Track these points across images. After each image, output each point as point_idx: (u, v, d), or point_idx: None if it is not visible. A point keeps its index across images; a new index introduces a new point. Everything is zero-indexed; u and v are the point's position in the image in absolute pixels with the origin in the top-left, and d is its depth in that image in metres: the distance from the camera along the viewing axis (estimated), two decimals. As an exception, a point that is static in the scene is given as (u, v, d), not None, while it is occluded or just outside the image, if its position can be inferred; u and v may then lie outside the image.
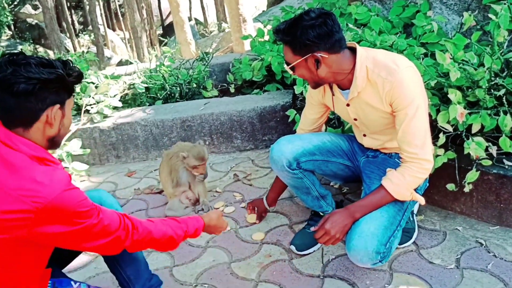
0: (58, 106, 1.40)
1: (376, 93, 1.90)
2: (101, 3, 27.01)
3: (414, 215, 2.38)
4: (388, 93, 1.85)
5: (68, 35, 22.70)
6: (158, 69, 4.12)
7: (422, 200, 1.97)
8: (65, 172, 1.35)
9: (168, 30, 23.98)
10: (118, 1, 28.78)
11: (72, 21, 26.85)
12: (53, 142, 1.44)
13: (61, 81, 1.39)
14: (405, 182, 1.86)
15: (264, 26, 4.22)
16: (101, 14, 25.61)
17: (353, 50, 1.94)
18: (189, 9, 27.89)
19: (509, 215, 2.23)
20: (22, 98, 1.32)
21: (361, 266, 1.96)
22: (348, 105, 2.06)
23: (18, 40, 23.11)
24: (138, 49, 16.99)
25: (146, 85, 4.01)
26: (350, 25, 2.86)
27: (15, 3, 24.90)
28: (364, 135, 2.21)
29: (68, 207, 1.29)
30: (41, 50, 23.10)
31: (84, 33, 27.83)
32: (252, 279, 2.18)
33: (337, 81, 1.99)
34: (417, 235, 2.31)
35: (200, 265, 2.34)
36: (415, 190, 1.95)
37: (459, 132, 2.24)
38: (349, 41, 2.03)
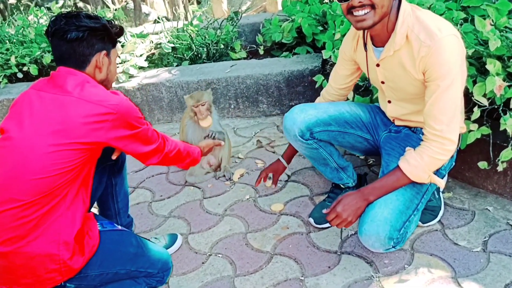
0: (104, 52, 1.68)
1: (411, 56, 1.73)
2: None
3: (441, 192, 2.24)
4: (423, 60, 1.68)
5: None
6: (185, 28, 4.00)
7: (442, 184, 1.84)
8: None
9: (207, -14, 23.58)
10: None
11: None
12: (103, 86, 1.68)
13: (106, 30, 1.67)
14: (423, 164, 1.73)
15: (297, -15, 4.01)
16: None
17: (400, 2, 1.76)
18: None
19: (545, 197, 2.08)
20: (74, 43, 1.60)
21: (373, 250, 1.87)
22: (378, 65, 1.91)
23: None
24: (174, 6, 16.81)
25: (173, 45, 3.91)
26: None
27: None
28: (389, 102, 2.05)
29: (132, 112, 1.62)
30: (80, 4, 23.26)
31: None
32: (267, 251, 2.13)
33: (378, 31, 1.80)
34: (443, 213, 2.19)
35: (216, 234, 2.30)
36: (438, 169, 1.82)
37: (496, 106, 2.06)
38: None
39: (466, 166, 2.33)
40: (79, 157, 1.54)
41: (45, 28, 4.20)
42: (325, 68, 3.30)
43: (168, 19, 6.69)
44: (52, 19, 1.64)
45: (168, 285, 2.02)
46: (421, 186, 1.85)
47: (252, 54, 4.07)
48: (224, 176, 2.78)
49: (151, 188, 2.81)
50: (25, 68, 3.95)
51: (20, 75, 3.99)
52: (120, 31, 1.78)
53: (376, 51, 1.89)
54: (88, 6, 20.09)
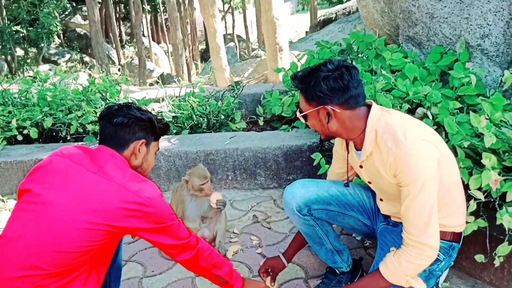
0: (144, 141, 1.82)
1: (382, 161, 1.77)
2: (148, 17, 27.67)
3: (440, 285, 2.21)
4: (392, 165, 1.71)
5: (114, 45, 23.32)
6: (187, 98, 4.09)
7: (420, 287, 1.81)
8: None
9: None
10: (165, 15, 29.43)
11: (120, 32, 27.62)
12: (137, 172, 1.77)
13: (150, 123, 1.83)
14: (400, 269, 1.73)
15: (298, 60, 4.14)
16: (147, 27, 26.19)
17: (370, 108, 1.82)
18: (232, 27, 28.22)
19: (543, 293, 2.05)
20: (118, 127, 1.77)
21: None
22: (361, 166, 1.94)
23: (66, 49, 23.92)
24: (178, 66, 17.26)
25: (173, 114, 3.98)
26: (384, 72, 2.73)
27: (66, 13, 25.84)
28: (381, 200, 2.07)
29: (164, 208, 1.70)
30: (87, 59, 23.82)
31: (129, 44, 28.57)
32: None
33: (350, 138, 1.88)
34: (441, 305, 2.14)
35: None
36: (432, 271, 1.83)
37: (491, 200, 2.07)
38: (380, 89, 1.92)
39: (463, 256, 2.31)
40: (105, 238, 1.61)
41: (48, 92, 4.32)
42: (324, 144, 3.35)
43: (171, 77, 6.87)
44: (108, 105, 1.93)
45: None
46: None
47: (252, 124, 4.13)
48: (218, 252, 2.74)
49: (143, 262, 2.76)
50: (25, 131, 3.99)
51: (20, 138, 4.02)
52: (165, 128, 1.93)
53: (358, 154, 1.93)
54: (94, 61, 20.60)
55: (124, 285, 2.52)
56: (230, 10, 29.80)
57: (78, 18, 26.37)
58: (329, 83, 1.73)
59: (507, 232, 2.01)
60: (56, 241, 1.54)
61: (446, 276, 2.26)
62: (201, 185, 2.60)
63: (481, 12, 2.74)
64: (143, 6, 24.48)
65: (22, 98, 4.36)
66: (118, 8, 30.19)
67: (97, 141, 1.98)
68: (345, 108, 1.77)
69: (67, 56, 23.21)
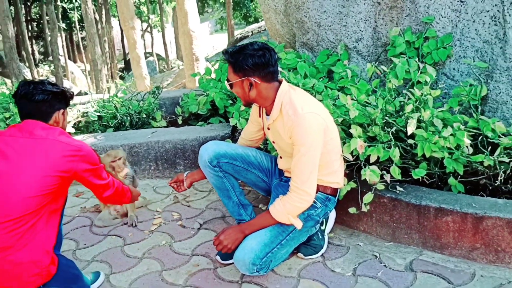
0: (63, 110, 2.22)
1: (283, 125, 2.31)
2: (64, 35, 27.15)
3: (325, 234, 2.75)
4: (289, 129, 2.25)
5: (27, 64, 22.62)
6: (111, 99, 4.45)
7: (298, 225, 2.34)
8: None
9: (130, 64, 24.28)
10: (81, 34, 29.02)
11: (33, 51, 26.80)
12: None
13: (64, 94, 2.22)
14: (284, 209, 2.27)
15: (212, 66, 4.65)
16: (62, 45, 25.70)
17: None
18: (151, 45, 28.44)
19: (400, 233, 2.65)
20: (40, 104, 2.10)
21: (245, 274, 2.36)
22: (268, 128, 2.47)
23: None
24: (97, 81, 17.18)
25: (98, 114, 4.32)
26: (280, 68, 3.30)
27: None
28: (281, 157, 2.60)
29: (91, 152, 2.14)
30: (8, 83, 22.89)
31: (44, 63, 27.77)
32: (180, 284, 2.48)
33: (264, 106, 2.40)
34: (326, 249, 2.69)
35: (135, 273, 2.62)
36: (311, 215, 2.39)
37: (359, 162, 2.67)
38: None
39: (343, 212, 2.88)
40: (57, 183, 2.01)
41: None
42: (234, 135, 3.86)
43: (87, 93, 7.14)
44: (21, 84, 2.16)
45: (91, 316, 2.30)
46: (287, 227, 2.36)
47: (172, 124, 4.56)
48: (130, 224, 3.15)
49: (76, 238, 3.09)
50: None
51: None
52: (72, 96, 2.32)
53: (267, 118, 2.46)
54: (7, 80, 19.92)
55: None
56: (148, 29, 30.02)
57: (-12, 37, 25.29)
58: (254, 59, 2.22)
59: (372, 186, 2.61)
60: (20, 191, 1.91)
61: (331, 228, 2.84)
62: (112, 162, 3.02)
63: (355, 20, 3.40)
64: (58, 24, 24.05)
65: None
66: (30, 26, 29.31)
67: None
68: (264, 81, 2.27)
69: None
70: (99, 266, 2.71)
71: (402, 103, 2.66)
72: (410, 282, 2.33)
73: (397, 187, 2.66)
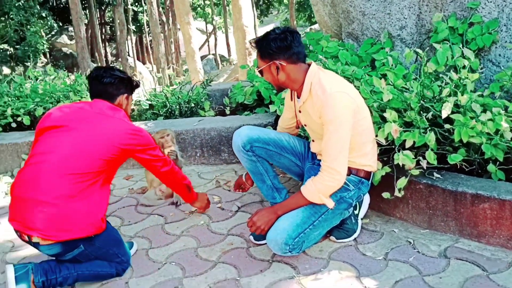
0: (126, 95, 2.52)
1: (313, 106, 2.34)
2: (134, 38, 28.36)
3: (359, 219, 2.75)
4: (319, 109, 2.28)
5: (99, 64, 23.87)
6: (161, 89, 4.64)
7: (330, 204, 2.35)
8: None
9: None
10: (150, 36, 30.17)
11: (105, 52, 28.21)
12: None
13: (129, 80, 2.53)
14: (315, 188, 2.28)
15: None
16: (132, 47, 26.85)
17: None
18: (215, 46, 29.06)
19: (436, 220, 2.60)
20: (107, 86, 2.42)
21: (277, 254, 2.39)
22: (300, 111, 2.50)
23: (52, 68, 24.37)
24: (161, 79, 17.84)
25: (150, 103, 4.53)
26: (320, 56, 3.32)
27: (53, 33, 26.34)
28: (313, 141, 2.63)
29: (149, 135, 2.45)
30: (72, 77, 24.30)
31: (115, 63, 29.13)
32: (212, 260, 2.57)
33: (294, 89, 2.44)
34: (359, 234, 2.68)
35: (172, 248, 2.74)
36: (343, 197, 2.40)
37: (394, 147, 2.64)
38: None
39: (379, 198, 2.86)
40: (118, 154, 2.31)
41: (40, 86, 4.84)
42: (277, 123, 3.90)
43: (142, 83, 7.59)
44: (95, 68, 2.52)
45: (128, 284, 2.43)
46: (320, 209, 2.37)
47: (220, 114, 4.69)
48: (173, 203, 3.31)
49: (121, 216, 3.27)
50: (19, 119, 4.50)
51: (14, 125, 4.53)
52: (137, 85, 2.63)
53: (298, 101, 2.50)
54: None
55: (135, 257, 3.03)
56: (213, 31, 30.70)
57: (64, 38, 26.94)
58: (277, 43, 2.28)
59: (407, 171, 2.57)
60: (91, 151, 2.21)
61: (365, 213, 2.83)
62: (160, 139, 3.17)
63: (399, 8, 3.36)
64: (128, 26, 25.15)
65: (16, 91, 4.88)
66: (104, 29, 30.84)
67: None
68: (290, 62, 2.32)
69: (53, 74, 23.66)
70: (139, 241, 2.86)
71: (440, 88, 2.61)
72: (442, 268, 2.29)
73: (434, 173, 2.60)
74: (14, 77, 5.20)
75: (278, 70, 2.33)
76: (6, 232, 3.17)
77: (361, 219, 2.79)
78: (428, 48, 3.22)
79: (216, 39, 30.11)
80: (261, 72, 2.41)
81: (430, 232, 2.63)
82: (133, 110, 4.62)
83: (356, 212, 2.70)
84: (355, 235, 2.66)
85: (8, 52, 21.31)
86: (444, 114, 2.36)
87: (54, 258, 2.33)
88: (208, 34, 30.30)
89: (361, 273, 2.32)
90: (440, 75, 2.63)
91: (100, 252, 2.35)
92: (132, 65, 24.61)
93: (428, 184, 2.58)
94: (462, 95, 2.43)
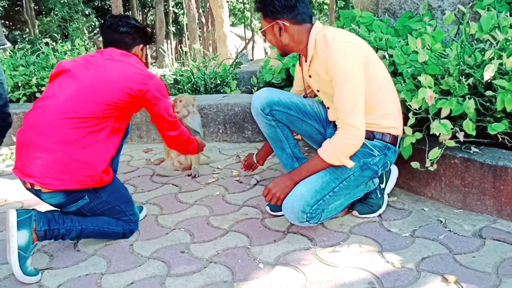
0: (142, 46, 2.40)
1: (319, 63, 2.14)
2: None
3: (385, 194, 2.52)
4: (324, 63, 2.08)
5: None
6: (186, 62, 4.53)
7: (349, 164, 2.12)
8: None
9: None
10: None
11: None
12: None
13: (144, 30, 2.40)
14: (333, 148, 2.07)
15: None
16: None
17: None
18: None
19: (472, 199, 2.34)
20: (123, 35, 2.29)
21: (294, 223, 2.18)
22: (310, 76, 2.30)
23: (80, 41, 24.88)
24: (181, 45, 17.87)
25: (175, 77, 4.41)
26: (353, 25, 3.11)
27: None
28: (328, 108, 2.42)
29: (162, 83, 2.28)
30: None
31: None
32: (224, 228, 2.40)
33: (299, 50, 2.24)
34: (384, 211, 2.45)
35: (183, 216, 2.59)
36: (368, 163, 2.19)
37: (429, 116, 2.40)
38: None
39: (410, 175, 2.62)
40: (126, 100, 2.14)
41: (66, 56, 4.80)
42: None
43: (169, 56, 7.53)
44: (109, 16, 2.36)
45: (132, 247, 2.28)
46: (341, 173, 2.15)
47: (247, 93, 4.53)
48: (190, 175, 3.15)
49: (135, 184, 3.14)
50: (43, 88, 4.46)
51: (38, 95, 4.49)
52: (152, 35, 2.55)
53: (305, 65, 2.30)
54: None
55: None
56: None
57: (106, 37, 27.42)
58: (281, 1, 2.12)
59: (442, 143, 2.32)
60: (92, 94, 2.07)
61: (391, 188, 2.59)
62: (174, 102, 3.03)
63: (441, -24, 3.11)
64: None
65: (43, 62, 4.85)
66: (145, 30, 31.26)
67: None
68: (294, 23, 2.14)
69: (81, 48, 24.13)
70: (150, 208, 2.72)
71: (483, 52, 2.36)
72: (476, 248, 2.04)
73: (472, 147, 2.35)
74: (42, 48, 5.19)
75: (281, 31, 2.16)
76: (18, 193, 3.09)
77: (388, 195, 2.56)
78: (470, 19, 2.97)
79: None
80: (264, 34, 2.24)
81: (464, 212, 2.38)
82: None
83: (382, 186, 2.48)
84: (380, 211, 2.43)
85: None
86: (486, 76, 2.11)
87: (58, 209, 2.20)
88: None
89: (384, 248, 2.09)
90: (484, 39, 2.37)
91: (107, 207, 2.21)
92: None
93: (465, 158, 2.33)
94: (507, 58, 2.18)
